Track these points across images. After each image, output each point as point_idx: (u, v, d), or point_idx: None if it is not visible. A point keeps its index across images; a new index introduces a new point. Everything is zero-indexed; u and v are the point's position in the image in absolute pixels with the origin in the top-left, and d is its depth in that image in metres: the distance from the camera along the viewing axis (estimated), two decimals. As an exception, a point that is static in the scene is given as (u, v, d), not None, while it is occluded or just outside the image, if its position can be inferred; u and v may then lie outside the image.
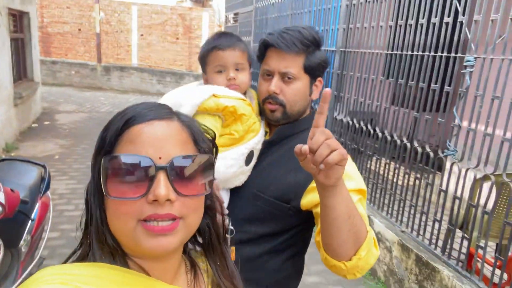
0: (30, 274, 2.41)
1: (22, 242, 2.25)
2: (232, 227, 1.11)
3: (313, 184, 1.05)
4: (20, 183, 2.41)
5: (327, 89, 0.79)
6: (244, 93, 1.26)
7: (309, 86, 1.17)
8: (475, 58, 2.34)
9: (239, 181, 1.14)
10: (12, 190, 1.85)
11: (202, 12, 13.71)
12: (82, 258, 0.61)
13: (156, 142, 0.57)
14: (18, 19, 6.59)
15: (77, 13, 13.63)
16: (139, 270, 0.60)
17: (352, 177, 1.04)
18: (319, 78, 1.19)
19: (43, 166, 2.78)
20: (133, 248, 0.58)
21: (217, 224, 0.71)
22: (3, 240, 1.77)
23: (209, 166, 0.62)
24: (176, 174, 0.56)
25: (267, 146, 1.18)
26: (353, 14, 3.61)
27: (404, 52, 2.99)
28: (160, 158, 0.56)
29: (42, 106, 8.39)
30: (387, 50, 3.25)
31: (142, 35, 13.91)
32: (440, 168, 2.79)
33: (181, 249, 0.67)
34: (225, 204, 1.15)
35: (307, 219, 1.11)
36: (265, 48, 1.16)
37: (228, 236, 1.11)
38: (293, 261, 1.18)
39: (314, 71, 1.15)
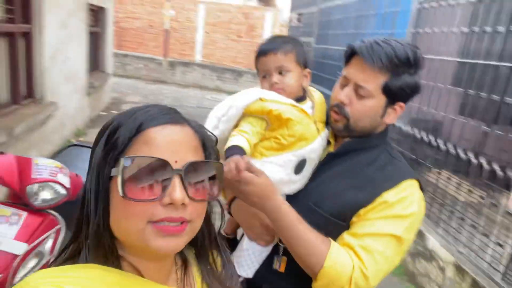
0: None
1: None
2: None
3: (371, 205, 1.01)
4: (85, 168, 2.59)
5: None
6: (303, 98, 1.22)
7: (383, 107, 1.06)
8: (560, 70, 2.11)
9: (289, 189, 1.11)
10: (76, 175, 2.00)
11: (265, 11, 13.81)
12: (73, 257, 0.61)
13: (172, 146, 0.58)
14: (96, 14, 7.10)
15: (149, 9, 14.38)
16: (133, 271, 0.60)
17: (398, 204, 0.99)
18: (401, 103, 1.07)
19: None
20: (139, 248, 0.58)
21: (210, 227, 0.71)
22: (65, 222, 1.92)
23: (219, 172, 0.63)
24: (190, 179, 0.58)
25: (330, 158, 1.13)
26: (423, 18, 3.43)
27: (477, 61, 2.78)
28: (176, 161, 0.57)
29: (111, 96, 8.98)
30: (459, 58, 3.04)
31: (207, 32, 14.35)
32: (508, 187, 2.56)
33: None
34: None
35: None
36: (351, 53, 1.08)
37: (280, 244, 1.10)
38: None
39: (394, 94, 1.04)
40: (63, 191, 1.82)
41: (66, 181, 1.83)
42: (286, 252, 1.09)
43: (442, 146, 3.11)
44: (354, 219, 1.02)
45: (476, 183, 2.78)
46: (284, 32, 8.55)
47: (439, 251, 2.96)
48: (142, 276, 0.60)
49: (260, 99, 1.07)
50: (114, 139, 0.59)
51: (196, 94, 11.76)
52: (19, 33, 3.89)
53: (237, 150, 1.01)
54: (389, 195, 1.01)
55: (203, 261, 0.71)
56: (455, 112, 3.14)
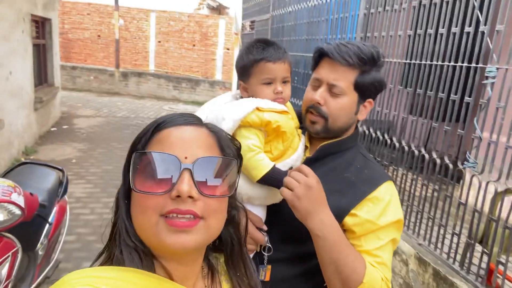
0: (46, 277, 2.44)
1: (39, 245, 2.29)
2: (270, 245, 1.09)
3: (355, 210, 1.04)
4: (39, 187, 2.46)
5: None
6: None
7: (356, 104, 1.10)
8: (497, 68, 2.29)
9: (278, 198, 1.11)
10: (31, 194, 1.88)
11: (218, 19, 13.85)
12: (107, 260, 0.62)
13: (183, 143, 0.60)
14: (41, 25, 6.77)
15: (97, 19, 13.94)
16: (164, 274, 0.60)
17: (387, 211, 1.05)
18: (370, 99, 1.13)
19: (61, 170, 2.83)
20: (155, 245, 0.59)
21: (239, 236, 0.72)
22: (21, 243, 1.80)
23: (232, 170, 0.63)
24: (200, 174, 0.59)
25: (308, 163, 1.11)
26: (370, 23, 3.59)
27: (423, 62, 2.96)
28: (186, 158, 0.59)
29: (61, 111, 8.57)
30: (406, 59, 3.21)
31: (159, 41, 14.12)
32: (459, 180, 2.73)
33: (202, 253, 0.68)
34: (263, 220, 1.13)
35: None
36: (319, 57, 1.12)
37: (265, 254, 1.10)
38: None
39: (364, 90, 1.09)
40: (18, 212, 1.71)
41: (21, 201, 1.73)
42: (270, 261, 1.09)
43: (397, 145, 3.26)
44: (356, 231, 1.05)
45: (431, 178, 2.94)
46: (238, 40, 8.62)
47: (401, 245, 3.08)
48: (172, 279, 0.61)
49: (257, 109, 1.04)
50: (136, 140, 0.64)
51: (153, 105, 11.51)
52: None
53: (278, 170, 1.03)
54: (373, 200, 1.06)
55: (233, 270, 0.72)
56: (407, 112, 3.31)
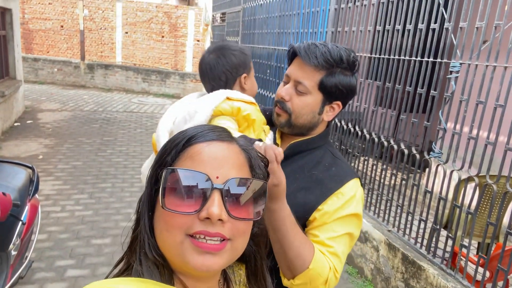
0: (20, 277, 2.38)
1: (11, 245, 2.22)
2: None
3: (321, 206, 1.07)
4: (9, 186, 2.38)
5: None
6: None
7: (320, 104, 1.13)
8: (461, 64, 2.42)
9: None
10: (4, 194, 1.83)
11: (188, 10, 13.61)
12: (125, 271, 0.62)
13: (215, 162, 0.58)
14: (0, 16, 6.44)
15: (59, 9, 13.34)
16: None
17: (346, 205, 1.08)
18: (337, 102, 1.14)
19: (32, 168, 2.75)
20: (178, 264, 0.59)
21: (263, 253, 0.71)
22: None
23: (262, 193, 0.62)
24: (231, 196, 0.58)
25: None
26: (341, 17, 3.67)
27: (391, 56, 3.07)
28: (217, 177, 0.57)
29: (24, 105, 8.21)
30: (375, 54, 3.32)
31: (126, 32, 13.71)
32: (426, 168, 2.87)
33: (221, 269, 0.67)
34: None
35: None
36: (293, 54, 1.16)
37: None
38: None
39: (329, 92, 1.11)
40: (-9, 214, 1.66)
41: (-6, 203, 1.67)
42: None
43: (367, 136, 3.38)
44: (314, 223, 1.08)
45: (399, 167, 3.07)
46: (209, 32, 8.53)
47: (372, 233, 3.22)
48: None
49: (228, 98, 1.11)
50: (164, 153, 0.62)
51: (122, 98, 11.21)
52: None
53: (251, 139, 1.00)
54: (338, 195, 1.10)
55: (255, 284, 0.71)
56: (377, 104, 3.43)
